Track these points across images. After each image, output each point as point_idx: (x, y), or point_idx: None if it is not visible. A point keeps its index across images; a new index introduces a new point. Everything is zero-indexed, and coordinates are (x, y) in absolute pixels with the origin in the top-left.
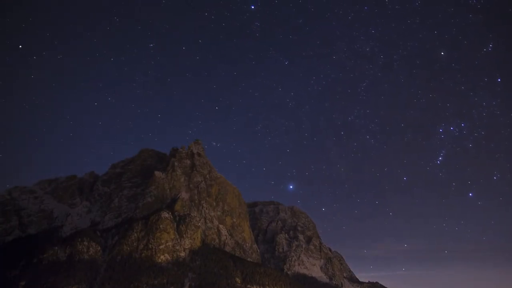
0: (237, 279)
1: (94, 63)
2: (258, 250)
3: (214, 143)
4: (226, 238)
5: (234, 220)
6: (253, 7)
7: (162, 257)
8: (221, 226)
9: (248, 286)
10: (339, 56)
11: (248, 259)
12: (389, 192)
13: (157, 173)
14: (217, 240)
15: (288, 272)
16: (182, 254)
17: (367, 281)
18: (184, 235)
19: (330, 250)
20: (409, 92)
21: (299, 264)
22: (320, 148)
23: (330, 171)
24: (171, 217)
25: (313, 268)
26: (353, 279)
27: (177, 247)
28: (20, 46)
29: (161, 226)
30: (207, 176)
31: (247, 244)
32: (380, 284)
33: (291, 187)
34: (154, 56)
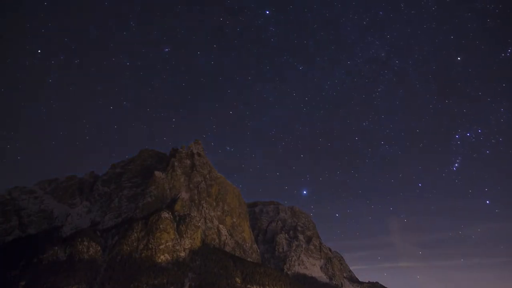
0: (237, 279)
1: (111, 67)
2: (258, 250)
3: (228, 148)
4: (226, 238)
5: (234, 220)
6: (268, 12)
7: (162, 257)
8: (221, 226)
9: (248, 286)
10: (354, 61)
11: (248, 259)
12: (403, 198)
13: (157, 173)
14: (217, 240)
15: (288, 272)
16: (182, 254)
17: (367, 281)
18: (184, 235)
19: (330, 250)
20: (425, 97)
21: (299, 264)
22: (334, 153)
23: (344, 177)
24: (171, 217)
25: (313, 268)
26: (353, 279)
27: (177, 247)
28: (39, 51)
29: (161, 226)
30: (207, 176)
31: (247, 244)
32: (380, 284)
33: (304, 192)
34: (169, 60)
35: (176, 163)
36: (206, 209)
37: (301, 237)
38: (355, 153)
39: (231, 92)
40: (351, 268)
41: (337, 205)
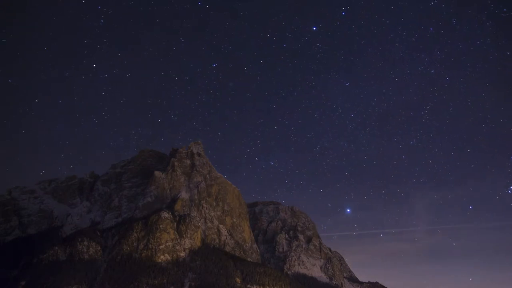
0: (237, 279)
1: (160, 81)
2: (258, 250)
3: (272, 163)
4: (226, 238)
5: (234, 220)
6: (315, 28)
7: (162, 257)
8: (221, 226)
9: (248, 286)
10: (402, 78)
11: (248, 259)
12: (453, 220)
13: (157, 173)
14: (217, 240)
15: (288, 272)
16: (182, 254)
17: (367, 281)
18: (184, 235)
19: (330, 250)
20: (477, 116)
21: (299, 264)
22: (380, 172)
23: (389, 196)
24: (171, 217)
25: (313, 268)
26: (353, 279)
27: (177, 247)
28: (94, 65)
29: (161, 226)
30: (207, 176)
31: (247, 244)
32: (380, 284)
33: (348, 210)
34: (216, 75)
35: (176, 163)
36: (206, 209)
37: (301, 237)
38: (402, 172)
39: (277, 107)
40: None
41: (382, 226)
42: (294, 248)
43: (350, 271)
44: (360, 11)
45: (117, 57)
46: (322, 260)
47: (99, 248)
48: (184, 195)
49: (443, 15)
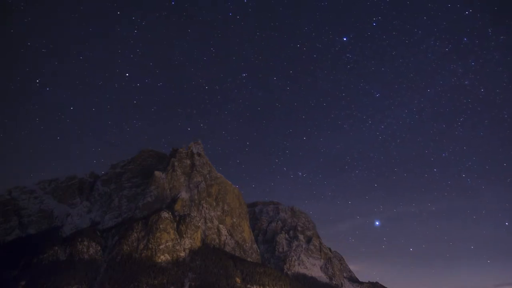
0: (237, 279)
1: (191, 91)
2: (258, 250)
3: (300, 173)
4: (226, 238)
5: (234, 220)
6: (345, 39)
7: (162, 257)
8: (221, 226)
9: (248, 286)
10: (434, 89)
11: (248, 259)
12: (488, 237)
13: (157, 173)
14: (217, 240)
15: (288, 272)
16: (182, 254)
17: (367, 281)
18: (184, 235)
19: (330, 250)
20: None
21: (299, 264)
22: (410, 184)
23: (420, 210)
24: (171, 217)
25: (313, 268)
26: (353, 279)
27: (177, 247)
28: (127, 74)
29: (161, 226)
30: (207, 176)
31: (247, 244)
32: (380, 284)
33: (377, 223)
34: (246, 85)
35: (176, 163)
36: (206, 209)
37: (301, 237)
38: (433, 185)
39: (306, 118)
40: None
41: (412, 239)
42: (294, 248)
43: (350, 271)
44: (391, 22)
45: (149, 66)
46: (322, 260)
47: (99, 248)
48: (184, 195)
49: (479, 25)
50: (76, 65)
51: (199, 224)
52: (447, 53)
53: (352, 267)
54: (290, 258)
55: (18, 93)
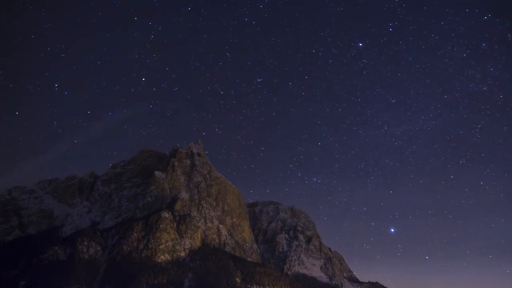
0: (237, 279)
1: (206, 95)
2: (258, 250)
3: (314, 179)
4: (226, 238)
5: (234, 220)
6: (361, 44)
7: (162, 257)
8: (221, 226)
9: (248, 286)
10: (451, 95)
11: (248, 259)
12: (507, 247)
13: (157, 173)
14: (217, 240)
15: (288, 272)
16: (182, 254)
17: (367, 281)
18: (184, 235)
19: (330, 250)
20: None
21: (299, 264)
22: (427, 191)
23: (436, 217)
24: (171, 217)
25: (313, 268)
26: (353, 279)
27: (177, 247)
28: (143, 79)
29: (161, 226)
30: (207, 176)
31: (247, 244)
32: (380, 284)
33: (392, 230)
34: (261, 90)
35: (176, 163)
36: (206, 209)
37: (301, 237)
38: (450, 193)
39: (321, 123)
40: None
41: (428, 248)
42: (294, 248)
43: (350, 271)
44: (408, 27)
45: (165, 71)
46: (322, 260)
47: (99, 248)
48: (184, 195)
49: (498, 30)
50: (93, 69)
51: (199, 224)
52: (465, 59)
53: (367, 276)
54: (290, 258)
55: (38, 95)
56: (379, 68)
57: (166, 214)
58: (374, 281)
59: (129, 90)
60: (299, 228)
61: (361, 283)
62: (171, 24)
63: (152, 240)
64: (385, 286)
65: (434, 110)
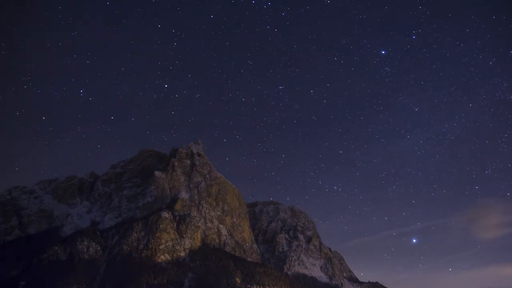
0: (237, 279)
1: (227, 102)
2: (258, 250)
3: (335, 187)
4: (226, 238)
5: (234, 220)
6: (383, 52)
7: (162, 257)
8: (221, 226)
9: (248, 286)
10: (476, 104)
11: (248, 259)
12: None
13: (157, 173)
14: (217, 240)
15: (288, 272)
16: (182, 254)
17: (367, 281)
18: (184, 235)
19: (330, 250)
20: None
21: (299, 264)
22: (450, 202)
23: (459, 228)
24: (171, 217)
25: (313, 268)
26: (353, 279)
27: (177, 247)
28: (166, 86)
29: (161, 226)
30: (207, 176)
31: (247, 244)
32: (380, 284)
33: (414, 240)
34: (282, 98)
35: (176, 163)
36: (206, 209)
37: (301, 237)
38: (475, 203)
39: (342, 131)
40: None
41: (451, 260)
42: (294, 248)
43: (350, 271)
44: (432, 35)
45: (188, 78)
46: (322, 260)
47: (99, 248)
48: (184, 195)
49: None
50: (118, 76)
51: (199, 224)
52: (491, 67)
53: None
54: (290, 258)
55: (63, 101)
56: (402, 76)
57: (166, 214)
58: (374, 281)
59: (151, 96)
60: (299, 228)
61: (361, 283)
62: (194, 31)
63: (152, 240)
64: (385, 286)
65: (458, 119)
